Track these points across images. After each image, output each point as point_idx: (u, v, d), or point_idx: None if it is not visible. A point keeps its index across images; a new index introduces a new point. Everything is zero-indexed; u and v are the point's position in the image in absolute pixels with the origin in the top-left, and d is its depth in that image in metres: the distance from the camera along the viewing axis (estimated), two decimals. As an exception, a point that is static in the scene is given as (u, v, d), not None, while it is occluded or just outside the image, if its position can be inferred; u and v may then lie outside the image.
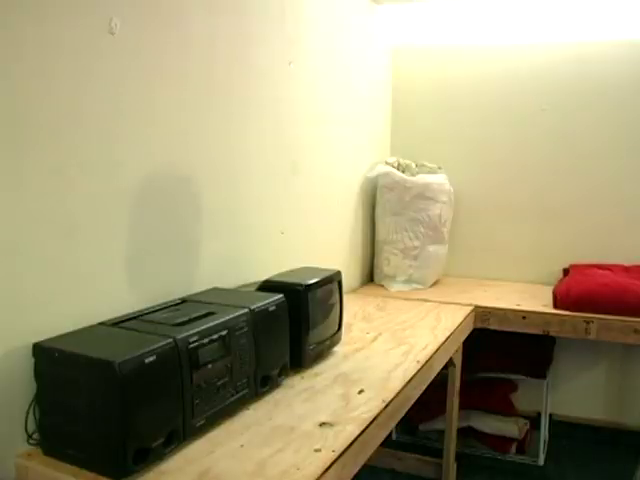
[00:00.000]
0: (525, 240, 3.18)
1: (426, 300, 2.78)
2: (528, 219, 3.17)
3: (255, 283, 1.92)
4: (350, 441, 1.40)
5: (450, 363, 2.39)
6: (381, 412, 1.58)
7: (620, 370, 3.10)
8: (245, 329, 1.52)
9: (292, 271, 2.05)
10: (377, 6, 3.09)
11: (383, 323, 2.40)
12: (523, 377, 2.79)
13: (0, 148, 1.25)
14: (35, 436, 1.33)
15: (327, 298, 1.95)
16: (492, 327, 2.65)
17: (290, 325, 1.72)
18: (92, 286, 1.48)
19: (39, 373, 1.30)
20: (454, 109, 3.25)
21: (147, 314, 1.52)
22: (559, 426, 3.11)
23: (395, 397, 1.68)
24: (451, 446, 2.59)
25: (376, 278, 3.17)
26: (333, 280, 1.98)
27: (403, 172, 3.09)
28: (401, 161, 3.16)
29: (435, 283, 3.12)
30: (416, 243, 2.99)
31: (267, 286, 1.84)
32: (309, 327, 1.81)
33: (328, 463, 1.29)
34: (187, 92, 1.77)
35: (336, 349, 2.03)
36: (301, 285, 1.81)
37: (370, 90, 3.14)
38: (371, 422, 1.51)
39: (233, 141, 2.01)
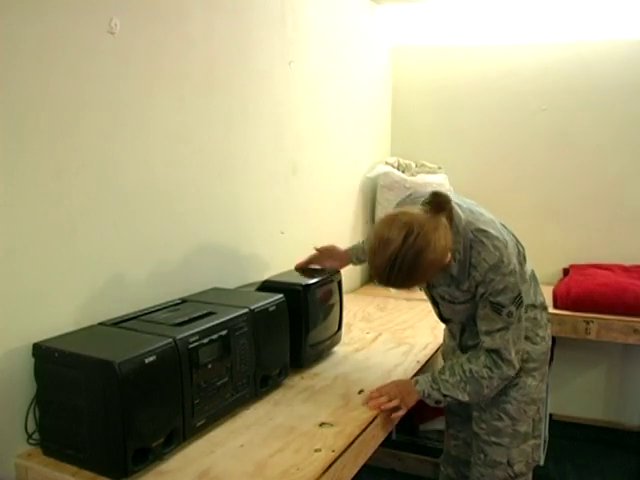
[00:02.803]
0: (525, 240, 3.13)
1: (426, 300, 2.76)
2: (528, 219, 3.16)
3: (255, 283, 1.92)
4: (350, 441, 1.40)
5: (450, 363, 2.39)
6: (381, 412, 1.58)
7: (620, 370, 3.09)
8: (245, 329, 1.52)
9: (291, 271, 2.05)
10: (377, 6, 3.09)
11: (383, 323, 2.40)
12: (523, 377, 2.79)
13: (0, 148, 1.25)
14: (35, 436, 1.33)
15: (327, 298, 1.94)
16: (492, 327, 2.65)
17: (290, 325, 1.72)
18: (92, 286, 1.48)
19: (39, 373, 1.30)
20: (454, 109, 3.25)
21: (147, 314, 1.52)
22: (559, 426, 3.11)
23: (395, 397, 1.68)
24: (451, 446, 2.59)
25: (376, 278, 3.16)
26: (333, 280, 1.98)
27: (403, 172, 3.08)
28: (401, 161, 3.16)
29: (435, 283, 3.12)
30: (416, 243, 2.99)
31: (267, 286, 1.84)
32: (309, 327, 1.81)
33: (328, 463, 1.30)
34: (187, 92, 1.77)
35: (336, 349, 2.03)
36: (301, 285, 1.81)
37: (370, 90, 3.13)
38: (371, 422, 1.51)
39: (233, 141, 2.01)
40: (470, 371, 1.58)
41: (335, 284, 1.99)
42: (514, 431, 1.69)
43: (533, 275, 1.74)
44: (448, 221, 1.45)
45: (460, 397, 1.59)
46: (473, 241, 1.51)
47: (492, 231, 1.53)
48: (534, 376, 1.69)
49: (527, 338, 1.66)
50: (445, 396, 1.60)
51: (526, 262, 1.69)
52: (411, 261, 1.36)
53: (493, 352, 1.57)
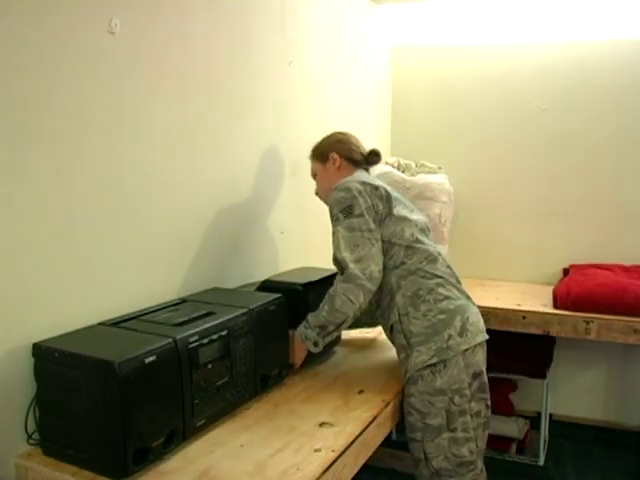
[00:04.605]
0: (525, 240, 3.18)
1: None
2: (528, 219, 3.17)
3: (255, 283, 1.92)
4: (350, 441, 1.40)
5: (450, 363, 2.38)
6: (381, 412, 1.58)
7: (620, 370, 3.10)
8: (245, 329, 1.52)
9: (291, 271, 2.05)
10: (377, 6, 3.09)
11: (383, 323, 2.39)
12: (523, 377, 2.79)
13: (1, 148, 1.25)
14: (35, 436, 1.33)
15: (327, 298, 1.94)
16: (492, 327, 2.64)
17: (290, 325, 1.72)
18: (92, 286, 1.48)
19: (39, 373, 1.30)
20: (454, 109, 3.25)
21: (147, 314, 1.52)
22: (559, 426, 3.11)
23: (395, 397, 1.68)
24: (451, 446, 2.59)
25: (376, 278, 3.16)
26: (333, 280, 1.97)
27: (403, 172, 3.08)
28: (401, 161, 3.16)
29: (435, 283, 3.11)
30: (416, 243, 2.99)
31: (266, 286, 1.84)
32: (309, 327, 1.81)
33: (328, 463, 1.30)
34: (188, 92, 1.77)
35: (336, 349, 2.03)
36: (300, 285, 1.81)
37: (370, 90, 3.13)
38: (371, 422, 1.52)
39: (234, 141, 2.01)
40: (328, 292, 1.70)
41: (335, 284, 1.99)
42: (424, 425, 1.65)
43: (428, 253, 1.82)
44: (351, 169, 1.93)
45: (320, 318, 1.67)
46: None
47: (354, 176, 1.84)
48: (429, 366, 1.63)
49: (406, 314, 1.69)
50: (316, 331, 1.68)
51: (397, 206, 1.79)
52: (328, 135, 2.03)
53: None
